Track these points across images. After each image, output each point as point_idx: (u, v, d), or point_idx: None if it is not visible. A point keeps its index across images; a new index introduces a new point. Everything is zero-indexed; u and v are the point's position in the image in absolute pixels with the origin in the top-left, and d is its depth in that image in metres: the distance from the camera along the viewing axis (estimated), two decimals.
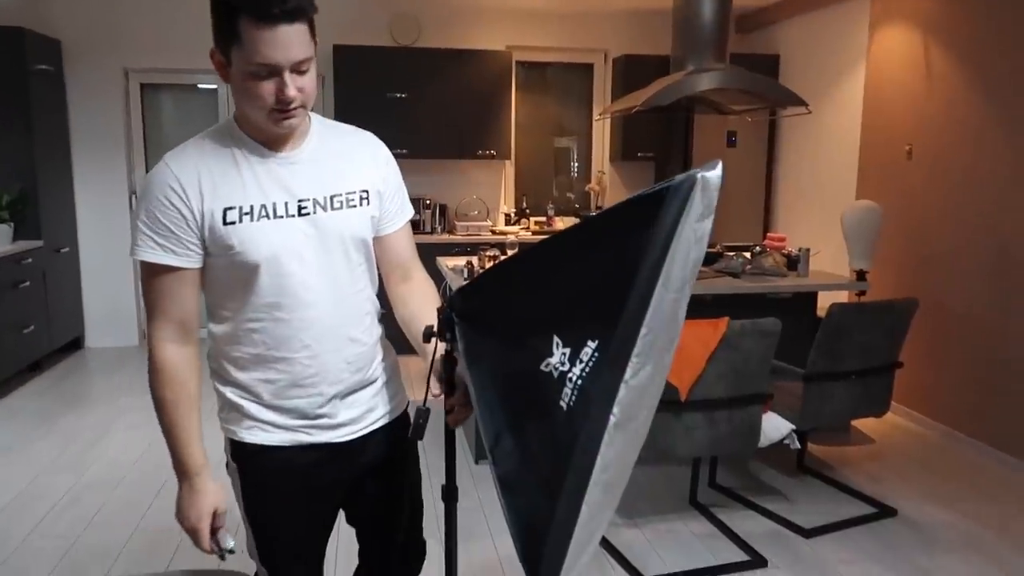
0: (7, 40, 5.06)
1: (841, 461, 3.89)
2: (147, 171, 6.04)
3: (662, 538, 3.09)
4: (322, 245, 1.46)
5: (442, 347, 1.42)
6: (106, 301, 6.05)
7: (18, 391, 4.92)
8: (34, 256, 5.15)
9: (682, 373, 2.75)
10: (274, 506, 1.57)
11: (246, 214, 1.41)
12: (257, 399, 1.51)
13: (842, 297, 4.56)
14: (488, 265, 3.93)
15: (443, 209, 6.21)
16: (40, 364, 5.37)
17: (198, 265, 1.43)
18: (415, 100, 5.86)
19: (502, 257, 4.04)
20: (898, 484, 3.63)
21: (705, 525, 3.20)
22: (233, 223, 1.40)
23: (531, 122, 6.60)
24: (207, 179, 1.40)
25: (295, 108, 1.37)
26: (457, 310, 1.41)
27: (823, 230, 5.41)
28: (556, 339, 1.24)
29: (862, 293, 4.14)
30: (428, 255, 4.49)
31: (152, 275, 1.41)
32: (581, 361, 1.21)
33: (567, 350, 1.23)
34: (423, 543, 1.79)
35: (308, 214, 1.45)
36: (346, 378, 1.54)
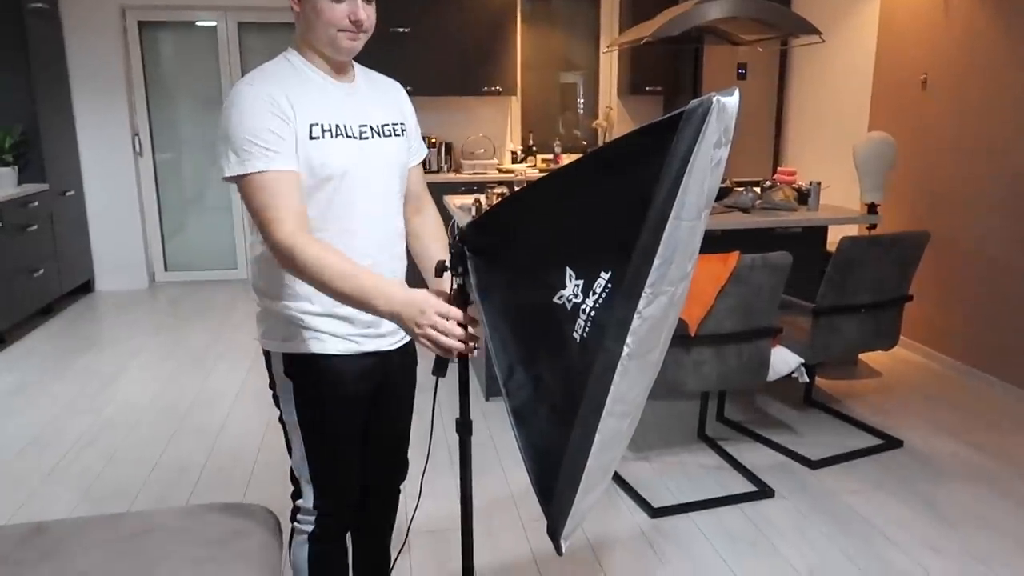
0: None
1: (848, 394, 3.92)
2: (149, 113, 5.99)
3: (671, 470, 3.14)
4: (379, 165, 1.64)
5: (455, 281, 1.41)
6: (114, 244, 6.06)
7: (32, 334, 4.98)
8: (40, 199, 5.14)
9: (692, 308, 2.74)
10: (328, 414, 1.68)
11: (326, 131, 1.55)
12: (314, 310, 1.61)
13: (853, 231, 4.53)
14: (496, 203, 3.89)
15: (449, 147, 6.14)
16: (52, 307, 5.42)
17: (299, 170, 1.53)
18: (418, 35, 5.73)
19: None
20: (904, 416, 3.66)
21: (713, 458, 3.25)
22: (317, 138, 1.53)
23: (537, 57, 6.46)
24: (289, 96, 1.52)
25: (363, 32, 1.55)
26: (469, 244, 1.40)
27: (834, 163, 5.33)
28: (569, 271, 1.23)
29: (873, 227, 4.10)
30: (435, 194, 4.44)
31: (265, 184, 1.46)
32: (594, 292, 1.20)
33: (580, 281, 1.22)
34: (407, 460, 1.96)
35: (368, 138, 1.62)
36: None
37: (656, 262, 1.13)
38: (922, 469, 3.15)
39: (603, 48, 6.43)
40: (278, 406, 1.73)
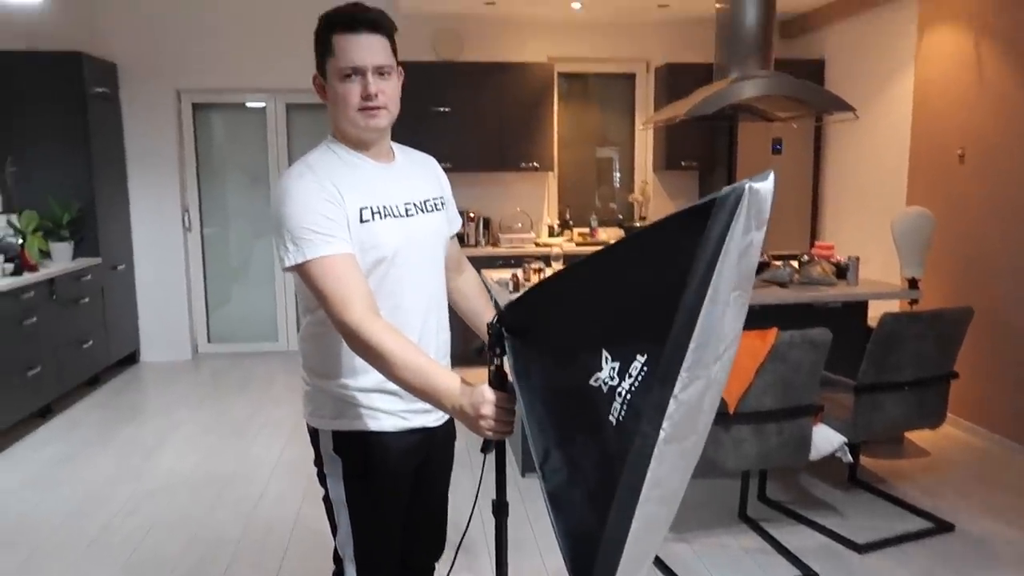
0: (67, 65, 5.26)
1: (895, 474, 3.80)
2: (199, 190, 6.24)
3: (711, 552, 3.06)
4: (424, 241, 1.70)
5: (494, 362, 1.44)
6: (160, 316, 6.23)
7: (78, 404, 5.09)
8: (93, 273, 5.33)
9: (730, 385, 2.72)
10: (376, 491, 1.70)
11: (375, 213, 1.61)
12: (366, 386, 1.65)
13: (893, 306, 4.47)
14: (533, 277, 3.94)
15: (487, 222, 6.26)
16: (98, 378, 5.55)
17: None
18: (458, 113, 5.92)
19: (546, 269, 4.05)
20: (955, 498, 3.53)
21: (755, 540, 3.16)
22: (367, 221, 1.59)
23: (573, 133, 6.62)
24: (336, 183, 1.58)
25: (379, 107, 1.60)
26: (506, 325, 1.42)
27: (872, 238, 5.30)
28: (605, 353, 1.24)
29: (914, 302, 4.05)
30: (473, 267, 4.52)
31: (329, 269, 1.51)
32: (630, 375, 1.20)
33: (616, 364, 1.23)
34: (445, 537, 1.95)
35: (413, 215, 1.68)
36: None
37: (691, 346, 1.14)
38: (976, 556, 3.02)
39: (639, 125, 6.57)
40: (324, 484, 1.74)
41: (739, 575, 2.88)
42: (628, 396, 1.21)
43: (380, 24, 1.60)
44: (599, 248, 1.34)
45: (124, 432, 4.56)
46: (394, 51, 1.64)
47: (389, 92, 1.62)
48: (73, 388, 5.14)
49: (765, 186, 1.15)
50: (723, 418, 2.74)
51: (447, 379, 1.44)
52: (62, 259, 5.08)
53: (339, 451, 1.68)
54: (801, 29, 6.27)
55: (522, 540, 3.14)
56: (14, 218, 4.86)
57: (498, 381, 1.43)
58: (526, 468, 3.80)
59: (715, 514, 3.40)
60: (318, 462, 1.74)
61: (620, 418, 1.22)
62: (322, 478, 1.74)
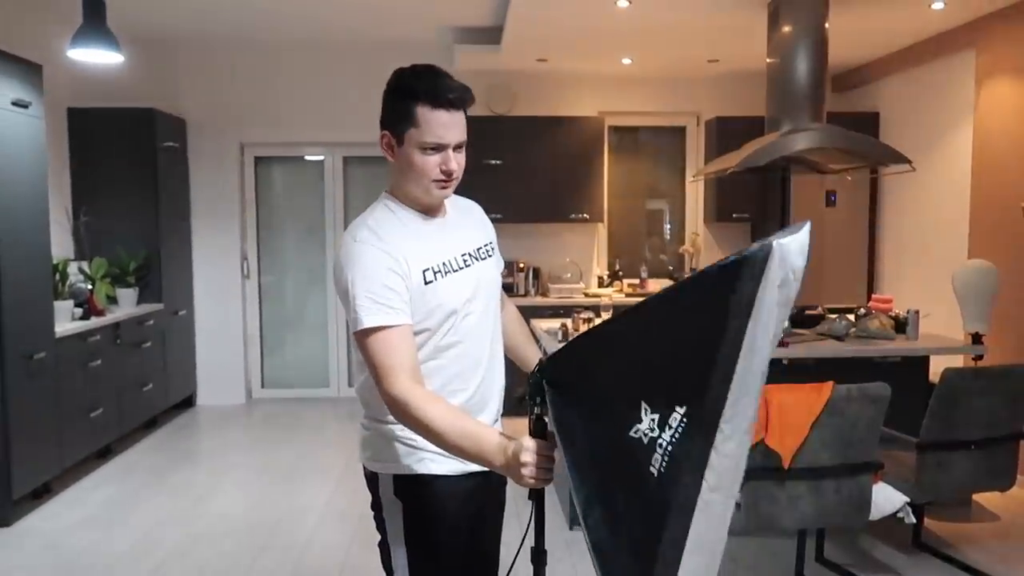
0: (140, 120, 5.54)
1: (962, 539, 3.62)
2: (258, 238, 6.43)
3: None
4: (483, 289, 1.75)
5: (534, 411, 1.45)
6: (217, 360, 6.38)
7: (136, 446, 5.21)
8: (155, 318, 5.51)
9: (784, 439, 2.65)
10: (436, 535, 1.70)
11: (437, 272, 1.65)
12: None
13: (956, 362, 4.31)
14: (582, 327, 3.93)
15: (536, 272, 6.29)
16: (156, 420, 5.68)
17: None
18: (510, 166, 6.02)
19: (595, 319, 4.04)
20: None
21: None
22: (431, 282, 1.64)
23: (623, 185, 6.66)
24: (403, 248, 1.61)
25: (453, 181, 1.65)
26: (547, 376, 1.43)
27: (932, 292, 5.16)
28: (644, 405, 1.25)
29: (979, 358, 3.91)
30: (523, 317, 4.54)
31: (384, 337, 1.55)
32: (670, 427, 1.21)
33: (656, 415, 1.23)
34: None
35: (470, 265, 1.73)
36: (496, 407, 1.80)
37: (730, 398, 1.16)
38: None
39: (689, 177, 6.58)
40: (381, 529, 1.74)
41: None
42: (669, 448, 1.21)
43: (464, 101, 1.61)
44: (640, 300, 1.36)
45: (178, 475, 4.64)
46: (466, 120, 1.66)
47: (463, 164, 1.66)
48: (132, 430, 5.27)
49: (795, 239, 1.16)
50: (777, 473, 2.66)
51: (490, 436, 1.47)
52: (127, 304, 5.27)
53: (399, 494, 1.69)
54: (854, 83, 6.25)
55: None
56: (85, 265, 5.08)
57: (538, 429, 1.44)
58: (573, 521, 3.73)
59: (770, 575, 3.27)
60: (376, 506, 1.75)
61: (661, 469, 1.22)
62: (379, 522, 1.74)
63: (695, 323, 1.21)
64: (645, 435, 1.23)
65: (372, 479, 1.74)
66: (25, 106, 3.95)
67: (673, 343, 1.24)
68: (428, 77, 1.59)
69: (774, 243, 1.13)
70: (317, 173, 6.57)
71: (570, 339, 1.51)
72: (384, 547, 1.74)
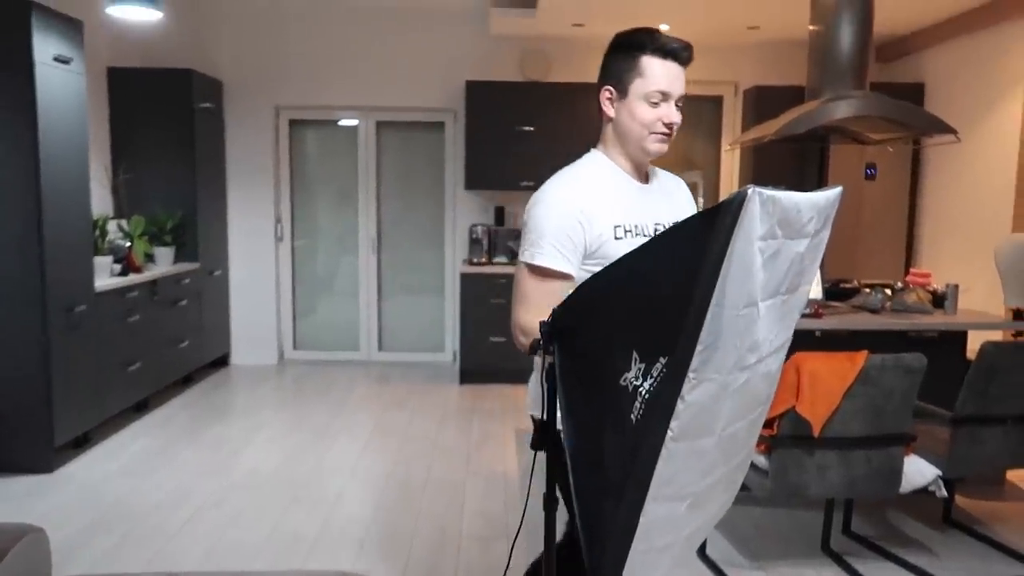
0: (177, 81, 5.59)
1: (994, 517, 3.58)
2: (292, 202, 6.49)
3: None
4: None
5: (547, 360, 1.46)
6: (250, 321, 6.48)
7: (172, 401, 5.33)
8: (191, 277, 5.60)
9: (816, 407, 2.63)
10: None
11: (628, 231, 1.71)
12: None
13: (996, 337, 4.23)
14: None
15: None
16: (191, 377, 5.80)
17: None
18: (542, 133, 5.96)
19: None
20: None
21: (837, 573, 3.02)
22: (621, 238, 1.70)
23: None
24: (598, 202, 1.69)
25: (670, 135, 1.70)
26: (558, 324, 1.44)
27: (974, 267, 5.05)
28: (635, 354, 1.26)
29: (1019, 333, 3.83)
30: None
31: (542, 277, 1.67)
32: (652, 376, 1.22)
33: (643, 365, 1.24)
34: None
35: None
36: None
37: (699, 347, 1.15)
38: None
39: (725, 146, 6.48)
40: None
41: None
42: (646, 396, 1.23)
43: (688, 56, 1.69)
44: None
45: (212, 430, 4.75)
46: None
47: (678, 121, 1.72)
48: (168, 386, 5.40)
49: (786, 195, 1.15)
50: (807, 441, 2.65)
51: None
52: (164, 263, 5.36)
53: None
54: (899, 52, 6.08)
55: None
56: (124, 223, 5.17)
57: (550, 379, 1.45)
58: None
59: (796, 545, 3.27)
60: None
61: (638, 417, 1.24)
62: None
63: (676, 270, 1.21)
64: (631, 384, 1.25)
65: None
66: (67, 62, 4.00)
67: (660, 291, 1.24)
68: (653, 32, 1.69)
69: (750, 191, 1.11)
70: (351, 138, 6.58)
71: (577, 287, 1.52)
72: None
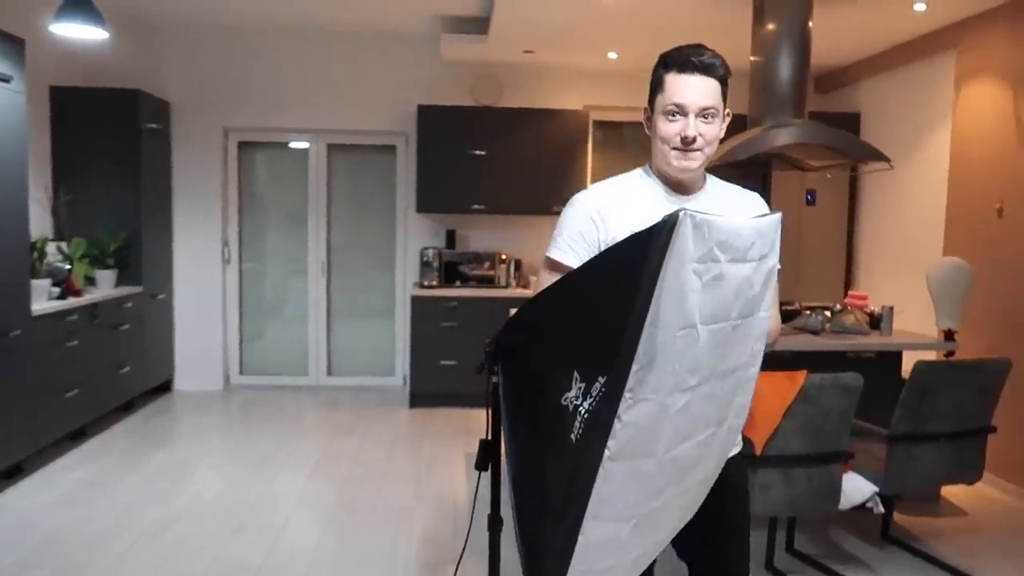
0: (123, 101, 5.49)
1: (930, 532, 3.69)
2: (240, 225, 6.41)
3: None
4: None
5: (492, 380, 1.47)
6: (195, 346, 6.34)
7: (112, 428, 5.17)
8: (134, 301, 5.46)
9: (757, 426, 2.69)
10: None
11: None
12: None
13: (929, 357, 4.38)
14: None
15: (518, 264, 6.30)
16: (133, 403, 5.64)
17: None
18: (494, 157, 6.02)
19: None
20: (993, 559, 3.41)
21: None
22: None
23: (607, 178, 6.66)
24: (619, 205, 1.71)
25: (694, 150, 1.65)
26: (501, 345, 1.45)
27: (907, 290, 5.24)
28: (576, 373, 1.27)
29: (951, 354, 3.98)
30: (502, 309, 4.56)
31: (555, 271, 1.73)
32: (591, 396, 1.23)
33: (583, 384, 1.26)
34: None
35: None
36: None
37: (634, 367, 1.16)
38: None
39: None
40: None
41: None
42: (585, 415, 1.24)
43: (712, 67, 1.64)
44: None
45: (154, 458, 4.62)
46: (724, 95, 1.68)
47: (708, 134, 1.66)
48: (108, 412, 5.23)
49: (723, 220, 1.18)
50: (750, 460, 2.70)
51: None
52: (106, 286, 5.22)
53: None
54: (836, 84, 6.32)
55: None
56: (64, 245, 5.03)
57: (494, 399, 1.46)
58: None
59: None
60: None
61: (578, 436, 1.25)
62: None
63: (612, 291, 1.23)
64: (572, 403, 1.26)
65: None
66: (7, 80, 3.91)
67: (598, 311, 1.26)
68: (680, 47, 1.67)
69: (681, 213, 1.14)
70: (301, 161, 6.53)
71: (520, 307, 1.53)
72: None
